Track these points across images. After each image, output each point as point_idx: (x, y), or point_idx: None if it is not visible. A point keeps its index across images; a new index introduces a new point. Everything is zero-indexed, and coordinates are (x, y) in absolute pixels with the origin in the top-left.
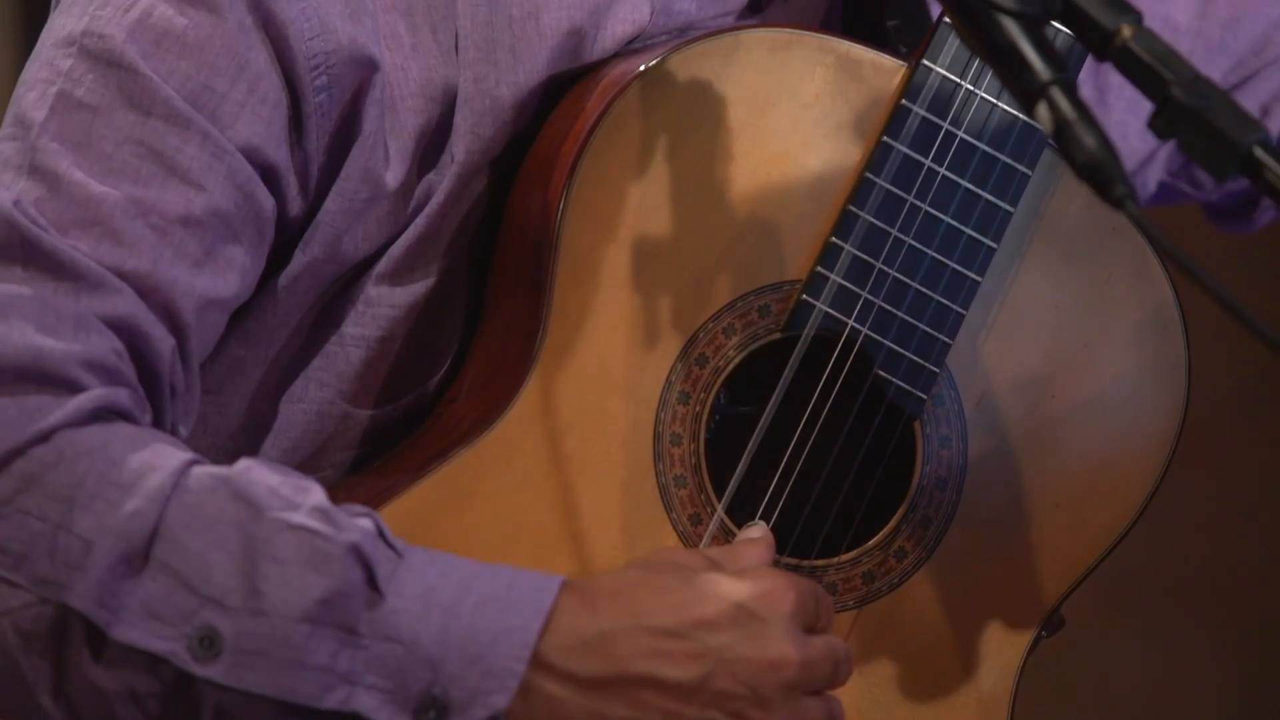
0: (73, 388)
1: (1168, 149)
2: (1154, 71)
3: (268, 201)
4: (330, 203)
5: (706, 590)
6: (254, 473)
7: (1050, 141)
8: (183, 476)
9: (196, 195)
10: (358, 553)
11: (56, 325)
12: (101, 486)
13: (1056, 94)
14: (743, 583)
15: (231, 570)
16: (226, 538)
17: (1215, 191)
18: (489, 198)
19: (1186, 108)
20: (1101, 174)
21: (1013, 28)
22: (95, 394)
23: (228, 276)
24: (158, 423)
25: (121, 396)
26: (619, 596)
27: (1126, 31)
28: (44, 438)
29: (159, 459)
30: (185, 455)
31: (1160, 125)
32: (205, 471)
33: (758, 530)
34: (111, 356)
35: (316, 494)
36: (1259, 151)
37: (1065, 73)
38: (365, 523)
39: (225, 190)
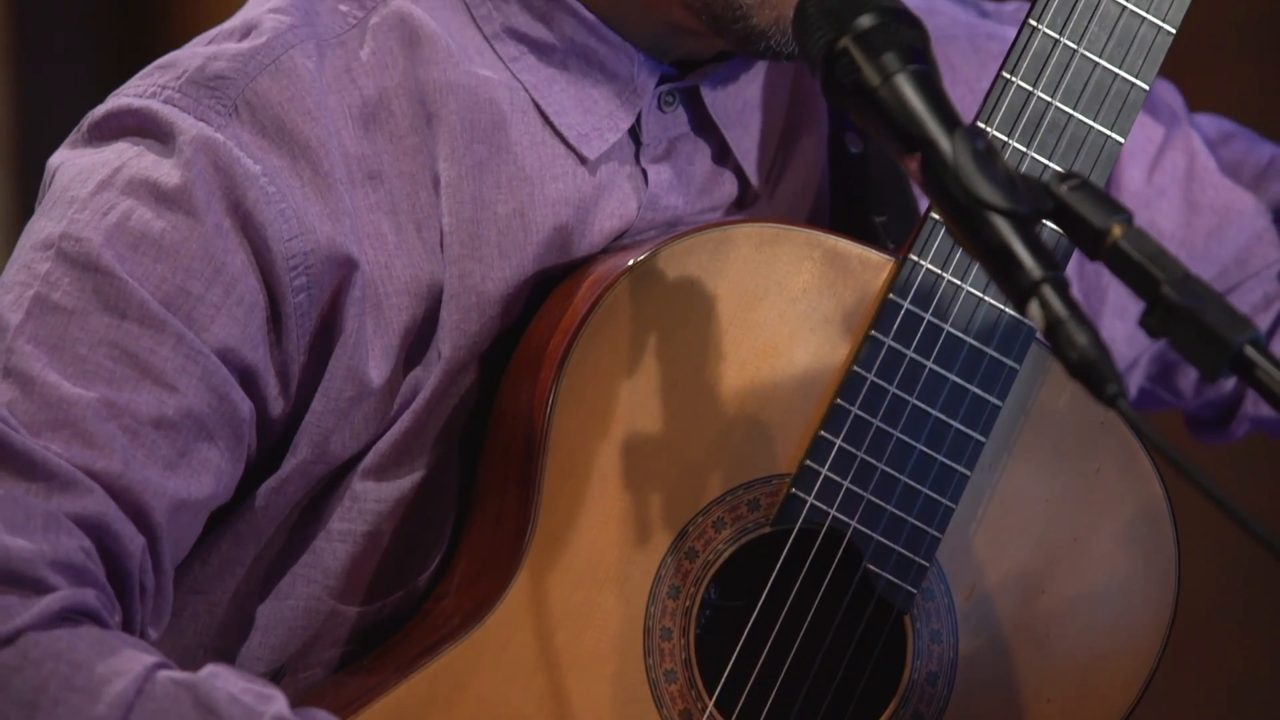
0: (40, 588)
1: (1149, 355)
2: (1145, 270)
3: (244, 404)
4: (316, 403)
5: None
6: (219, 679)
7: (1040, 339)
8: (147, 682)
9: (170, 397)
10: None
11: (25, 524)
12: (65, 692)
13: (1048, 292)
14: None
15: None
16: None
17: (1194, 400)
18: (476, 392)
19: (1178, 306)
20: (1094, 372)
21: (1004, 226)
22: (62, 595)
23: (202, 478)
24: (127, 623)
25: (89, 597)
26: None
27: (1118, 231)
28: (9, 640)
29: (124, 664)
30: (150, 659)
31: (1152, 323)
32: (169, 677)
33: None
34: (80, 555)
35: (279, 703)
36: (1250, 350)
37: (1057, 270)
38: None
39: (199, 392)
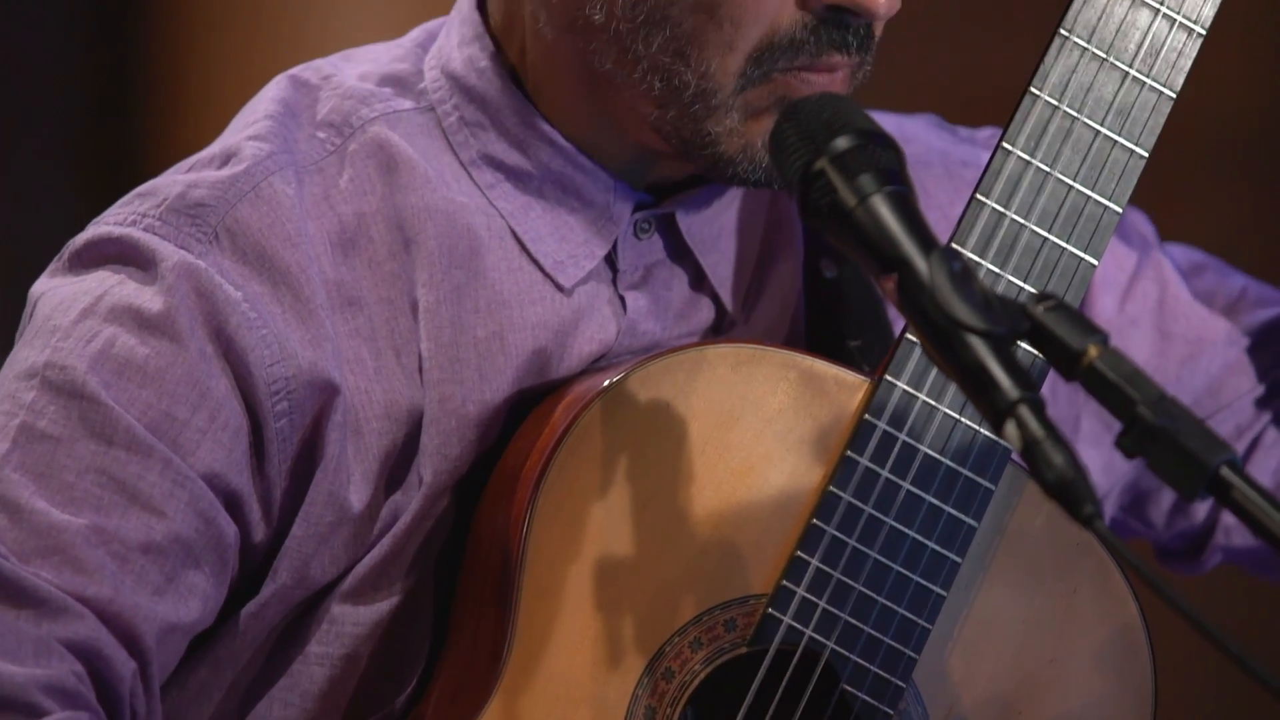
0: (33, 712)
1: (1121, 486)
2: (1121, 391)
3: (230, 528)
4: (296, 528)
5: None
6: None
7: (1015, 459)
8: None
9: (158, 522)
10: None
11: (17, 650)
12: None
13: (1025, 413)
14: None
15: None
16: None
17: (1166, 531)
18: (455, 516)
19: (1154, 427)
20: (1071, 492)
21: (981, 347)
22: (56, 718)
23: (190, 602)
24: None
25: (83, 719)
26: None
27: (1094, 351)
28: None
29: None
30: None
31: (1128, 444)
32: None
33: None
34: (72, 679)
35: None
36: (1226, 471)
37: (1033, 391)
38: None
39: (187, 517)
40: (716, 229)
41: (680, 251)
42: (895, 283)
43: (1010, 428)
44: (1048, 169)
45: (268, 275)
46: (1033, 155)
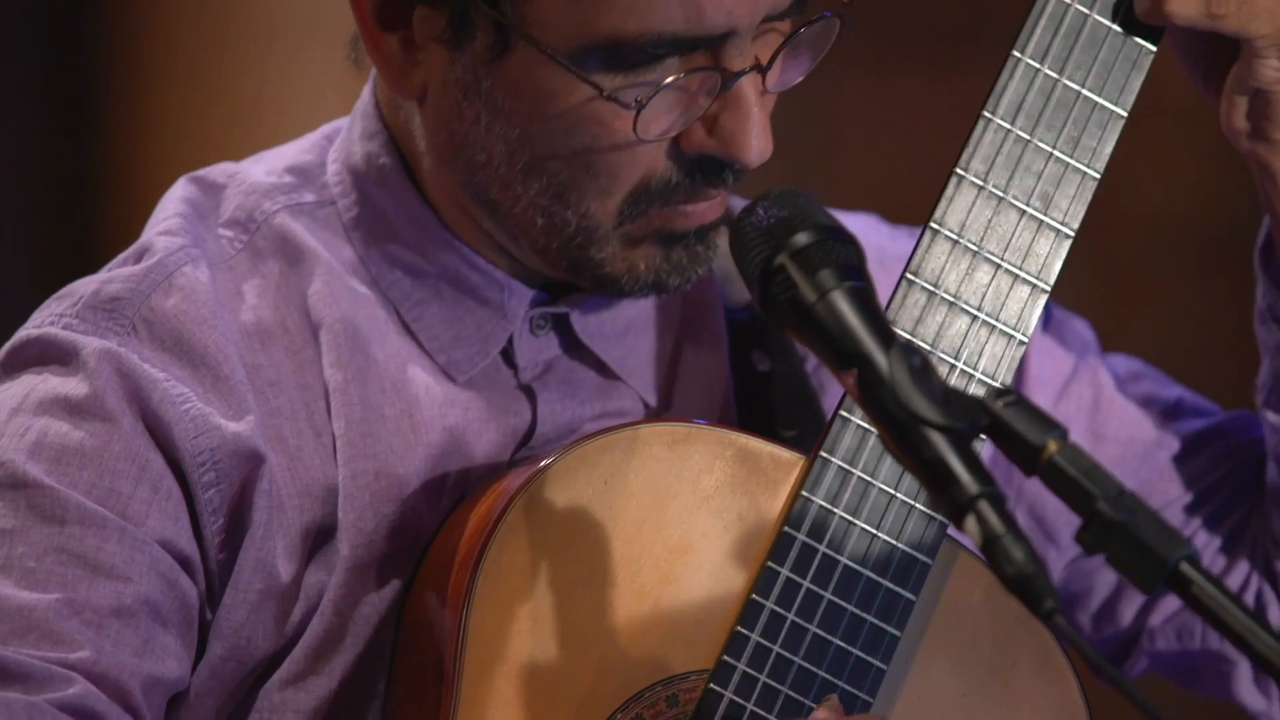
0: None
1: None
2: (1080, 486)
3: (191, 589)
4: (226, 596)
5: None
6: None
7: (951, 534)
8: None
9: (125, 587)
10: None
11: (9, 717)
12: None
13: (985, 508)
14: None
15: None
16: None
17: (1093, 636)
18: (385, 596)
19: (1113, 522)
20: (1030, 586)
21: (941, 442)
22: None
23: (166, 662)
24: None
25: None
26: None
27: (1053, 446)
28: None
29: None
30: None
31: (1088, 539)
32: None
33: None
34: None
35: None
36: (1186, 567)
37: (993, 486)
38: None
39: (151, 579)
40: (623, 323)
41: (577, 347)
42: (855, 378)
43: (970, 522)
44: (975, 247)
45: (187, 359)
46: (960, 234)
